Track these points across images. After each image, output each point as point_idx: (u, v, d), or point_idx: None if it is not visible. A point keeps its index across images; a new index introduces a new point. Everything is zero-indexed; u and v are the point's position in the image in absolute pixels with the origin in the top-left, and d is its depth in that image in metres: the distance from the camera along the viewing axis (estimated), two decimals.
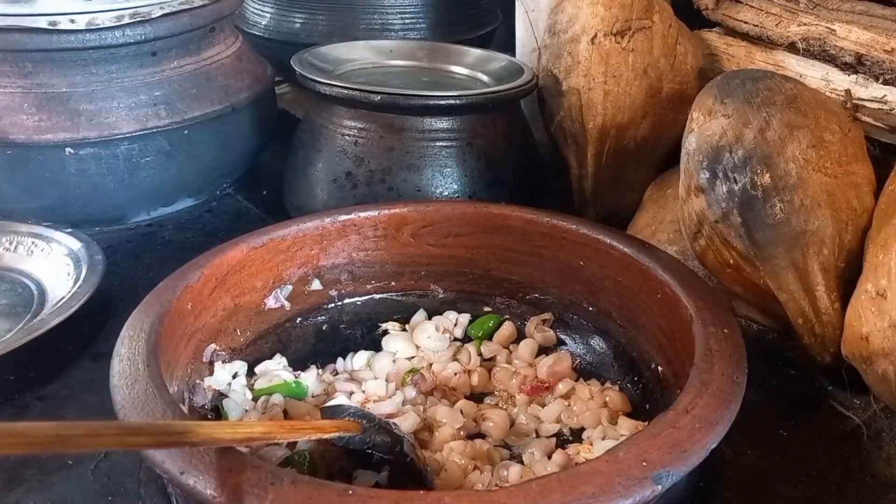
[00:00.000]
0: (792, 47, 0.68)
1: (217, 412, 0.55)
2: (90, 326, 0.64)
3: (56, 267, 0.71)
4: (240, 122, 0.86)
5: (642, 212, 0.74)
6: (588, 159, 0.75)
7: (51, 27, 0.72)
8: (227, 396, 0.56)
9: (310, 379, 0.59)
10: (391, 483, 0.44)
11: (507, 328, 0.64)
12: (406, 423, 0.52)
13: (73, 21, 0.72)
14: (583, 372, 0.60)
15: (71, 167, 0.76)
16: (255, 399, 0.56)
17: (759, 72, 0.59)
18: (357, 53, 0.89)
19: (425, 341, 0.62)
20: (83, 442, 0.32)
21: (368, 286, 0.66)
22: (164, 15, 0.76)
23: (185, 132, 0.80)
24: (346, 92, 0.74)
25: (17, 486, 0.49)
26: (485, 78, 0.85)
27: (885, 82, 0.62)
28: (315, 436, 0.44)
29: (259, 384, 0.57)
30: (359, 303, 0.66)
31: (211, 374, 0.56)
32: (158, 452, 0.38)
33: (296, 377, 0.58)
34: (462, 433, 0.53)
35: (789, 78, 0.59)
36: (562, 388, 0.57)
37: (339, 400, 0.55)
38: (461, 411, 0.55)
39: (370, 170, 0.75)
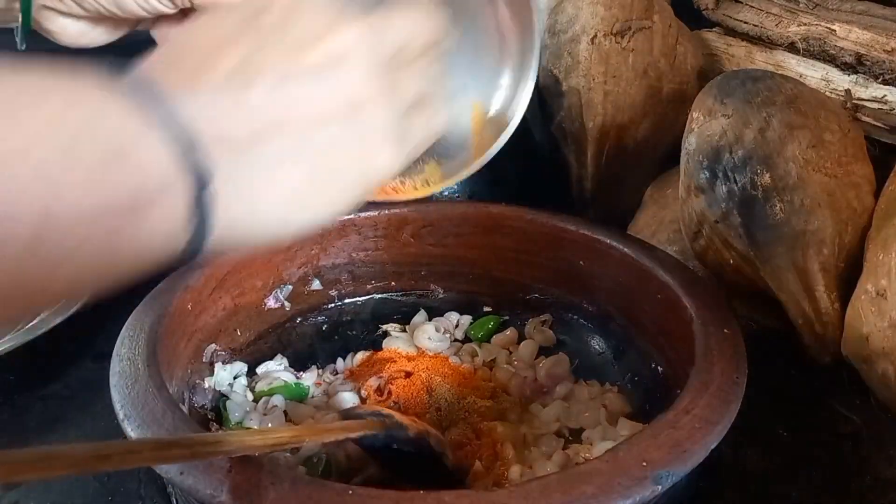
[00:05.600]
0: (792, 47, 0.68)
1: (217, 412, 0.55)
2: (90, 326, 0.64)
3: None
4: None
5: (642, 212, 0.74)
6: (588, 159, 0.75)
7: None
8: (227, 397, 0.56)
9: (310, 380, 0.59)
10: (426, 484, 0.44)
11: (507, 329, 0.64)
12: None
13: None
14: (582, 372, 0.60)
15: None
16: (255, 400, 0.56)
17: (759, 72, 0.59)
18: None
19: (426, 342, 0.62)
20: (123, 460, 0.33)
21: (368, 286, 0.66)
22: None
23: None
24: None
25: (18, 486, 0.49)
26: None
27: (885, 82, 0.62)
28: (342, 436, 0.45)
29: (260, 385, 0.57)
30: (359, 303, 0.66)
31: (211, 374, 0.56)
32: None
33: (297, 378, 0.58)
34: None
35: (789, 78, 0.59)
36: (560, 390, 0.57)
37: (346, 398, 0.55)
38: None
39: None
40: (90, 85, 0.28)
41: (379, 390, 0.56)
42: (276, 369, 0.59)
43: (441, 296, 0.67)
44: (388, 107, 0.34)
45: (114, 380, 0.45)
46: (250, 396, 0.56)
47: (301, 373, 0.59)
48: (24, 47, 0.51)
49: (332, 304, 0.66)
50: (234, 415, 0.54)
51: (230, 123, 0.30)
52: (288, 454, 0.49)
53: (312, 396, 0.57)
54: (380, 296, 0.67)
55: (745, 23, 0.73)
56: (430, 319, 0.65)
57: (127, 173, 0.26)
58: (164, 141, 0.27)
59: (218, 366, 0.57)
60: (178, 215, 0.28)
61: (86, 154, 0.25)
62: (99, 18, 0.52)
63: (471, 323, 0.65)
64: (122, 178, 0.26)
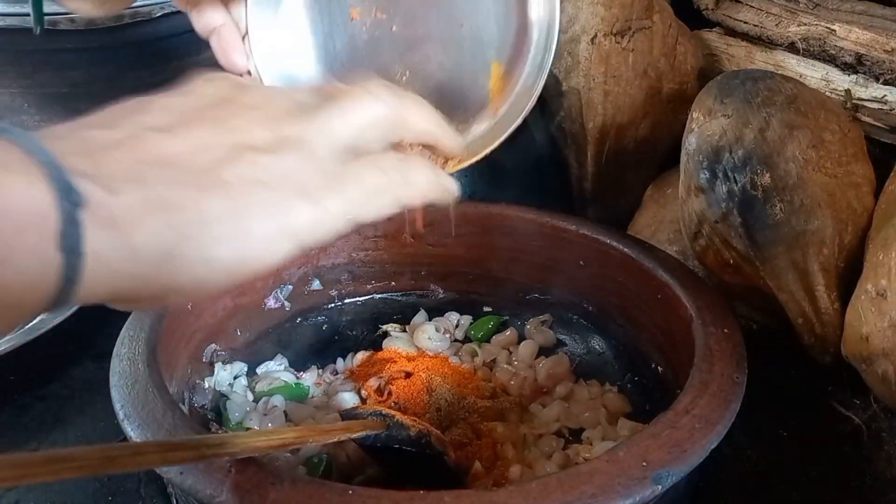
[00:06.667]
0: (792, 47, 0.68)
1: (217, 413, 0.55)
2: (90, 326, 0.64)
3: None
4: None
5: (642, 212, 0.74)
6: (588, 159, 0.75)
7: (51, 27, 0.72)
8: (227, 397, 0.56)
9: (310, 380, 0.59)
10: (426, 484, 0.44)
11: (507, 329, 0.64)
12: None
13: (73, 21, 0.72)
14: (583, 372, 0.60)
15: None
16: (255, 400, 0.56)
17: (758, 72, 0.59)
18: None
19: (426, 342, 0.62)
20: (129, 462, 0.32)
21: (368, 286, 0.66)
22: (164, 15, 0.76)
23: None
24: None
25: (18, 486, 0.49)
26: None
27: (885, 82, 0.62)
28: (344, 437, 0.45)
29: (260, 385, 0.57)
30: (359, 303, 0.66)
31: (211, 374, 0.56)
32: None
33: (297, 378, 0.58)
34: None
35: (789, 78, 0.59)
36: (560, 390, 0.57)
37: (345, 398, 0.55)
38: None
39: None
40: None
41: (379, 390, 0.56)
42: (277, 369, 0.59)
43: (441, 296, 0.67)
44: (308, 155, 0.32)
45: (114, 380, 0.45)
46: (250, 396, 0.56)
47: (301, 373, 0.59)
48: (38, 31, 0.51)
49: (332, 304, 0.66)
50: (234, 415, 0.54)
51: (107, 157, 0.28)
52: (288, 454, 0.50)
53: (312, 396, 0.57)
54: (380, 296, 0.67)
55: (745, 23, 0.73)
56: (430, 319, 0.65)
57: None
58: (29, 168, 0.26)
59: (218, 366, 0.57)
60: (47, 247, 0.25)
61: None
62: None
63: (471, 323, 0.65)
64: None
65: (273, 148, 0.31)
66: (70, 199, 0.26)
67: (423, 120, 0.38)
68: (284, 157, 0.31)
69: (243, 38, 0.53)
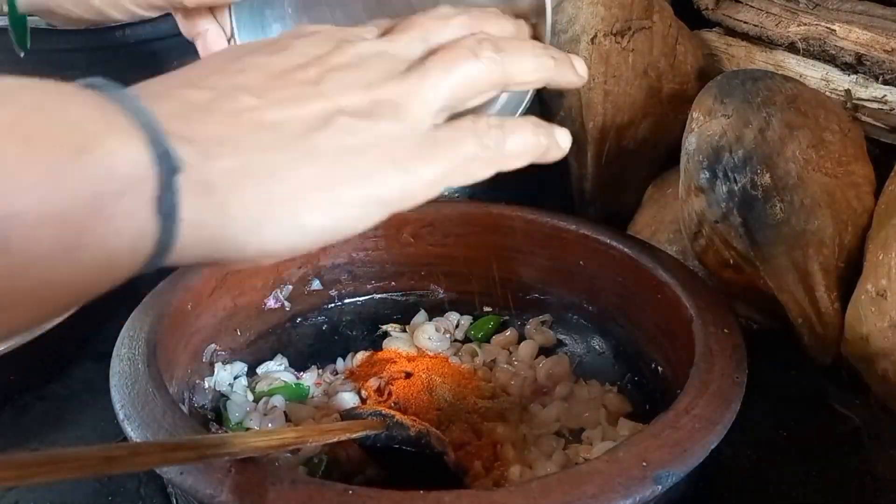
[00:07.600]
0: (792, 47, 0.68)
1: (217, 413, 0.55)
2: (90, 326, 0.64)
3: None
4: None
5: (642, 212, 0.74)
6: (588, 159, 0.75)
7: (50, 27, 0.72)
8: (227, 398, 0.56)
9: (310, 380, 0.59)
10: (426, 484, 0.44)
11: (507, 330, 0.64)
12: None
13: None
14: (583, 372, 0.60)
15: None
16: (256, 401, 0.56)
17: (759, 72, 0.59)
18: None
19: (426, 342, 0.62)
20: (129, 462, 0.32)
21: (368, 286, 0.66)
22: (162, 15, 0.76)
23: None
24: None
25: (18, 486, 0.49)
26: None
27: (885, 82, 0.62)
28: (344, 436, 0.45)
29: (260, 386, 0.57)
30: (359, 303, 0.66)
31: (211, 374, 0.56)
32: None
33: (297, 378, 0.58)
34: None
35: (789, 78, 0.59)
36: (560, 390, 0.57)
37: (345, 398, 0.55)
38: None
39: None
40: (58, 86, 0.27)
41: (379, 391, 0.56)
42: (277, 369, 0.59)
43: (441, 296, 0.67)
44: (401, 120, 0.32)
45: (114, 380, 0.45)
46: (250, 397, 0.56)
47: (301, 373, 0.59)
48: (23, 52, 0.52)
49: (332, 304, 0.66)
50: (234, 415, 0.54)
51: (205, 122, 0.28)
52: (288, 454, 0.50)
53: (312, 397, 0.57)
54: (380, 296, 0.67)
55: (745, 23, 0.73)
56: (430, 319, 0.65)
57: (92, 166, 0.25)
58: (131, 130, 0.26)
59: (218, 366, 0.57)
60: (145, 211, 0.26)
61: (47, 147, 0.24)
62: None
63: (471, 323, 0.65)
64: (87, 171, 0.24)
65: (367, 113, 0.31)
66: (167, 164, 0.26)
67: (532, 71, 0.36)
68: (378, 123, 0.31)
69: (229, 41, 0.54)
